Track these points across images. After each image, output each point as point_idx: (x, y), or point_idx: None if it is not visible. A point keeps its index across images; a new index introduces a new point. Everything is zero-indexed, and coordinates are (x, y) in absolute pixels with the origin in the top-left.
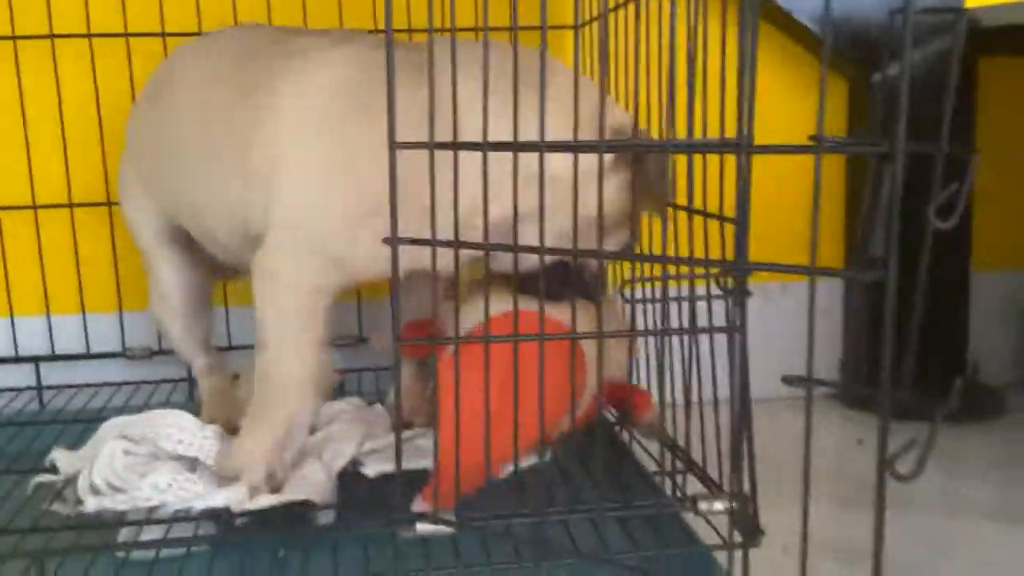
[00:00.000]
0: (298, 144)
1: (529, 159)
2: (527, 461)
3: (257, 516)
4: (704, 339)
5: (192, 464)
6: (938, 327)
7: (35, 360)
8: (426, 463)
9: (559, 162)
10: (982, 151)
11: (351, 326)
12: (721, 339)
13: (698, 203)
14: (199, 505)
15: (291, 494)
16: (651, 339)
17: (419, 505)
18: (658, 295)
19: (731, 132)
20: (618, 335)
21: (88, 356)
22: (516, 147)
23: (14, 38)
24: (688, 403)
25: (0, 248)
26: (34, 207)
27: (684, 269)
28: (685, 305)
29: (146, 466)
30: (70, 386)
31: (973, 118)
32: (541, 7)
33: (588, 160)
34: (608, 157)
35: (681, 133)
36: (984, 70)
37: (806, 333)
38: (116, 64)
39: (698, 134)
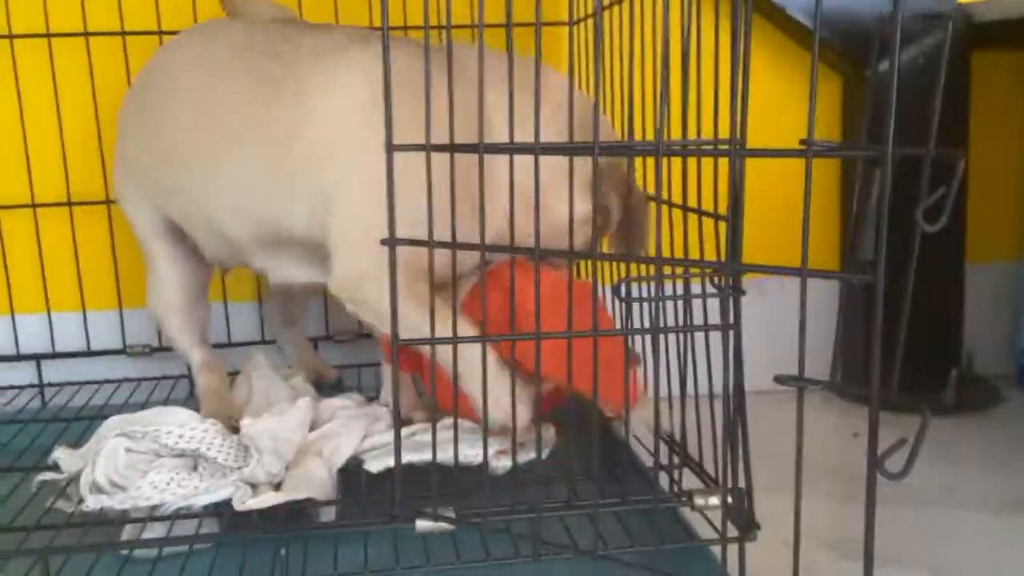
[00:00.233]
0: (349, 154)
1: None
2: (524, 456)
3: (259, 513)
4: (699, 335)
5: (194, 463)
6: (932, 319)
7: (36, 358)
8: (426, 457)
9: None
10: (970, 149)
11: (350, 322)
12: (716, 335)
13: (691, 200)
14: (200, 502)
15: (292, 492)
16: (645, 336)
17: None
18: (653, 293)
19: (724, 130)
20: (614, 333)
21: (89, 353)
22: (512, 149)
23: (12, 37)
24: (683, 399)
25: (0, 247)
26: (33, 206)
27: (679, 268)
28: (679, 301)
29: (148, 464)
30: (71, 383)
31: (967, 112)
32: (536, 4)
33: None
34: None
35: (674, 132)
36: (977, 64)
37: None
38: (113, 62)
39: (692, 132)
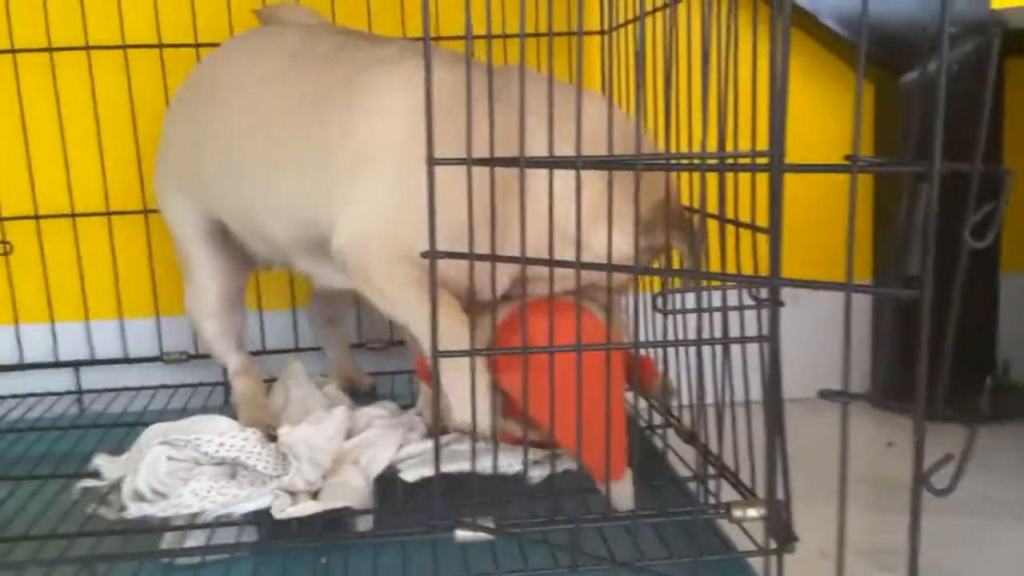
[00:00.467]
0: (388, 165)
1: None
2: (563, 465)
3: (297, 522)
4: (736, 346)
5: (233, 471)
6: (967, 328)
7: (75, 365)
8: (463, 467)
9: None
10: (1004, 158)
11: (383, 329)
12: (753, 345)
13: (728, 211)
14: (240, 510)
15: (330, 500)
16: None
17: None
18: (689, 305)
19: (762, 140)
20: (652, 345)
21: (126, 360)
22: (551, 164)
23: (50, 50)
24: (720, 409)
25: (40, 256)
26: (73, 215)
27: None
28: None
29: (188, 472)
30: (109, 390)
31: (1001, 119)
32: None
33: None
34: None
35: (711, 144)
36: (1012, 71)
37: (832, 334)
38: (150, 74)
39: (729, 144)
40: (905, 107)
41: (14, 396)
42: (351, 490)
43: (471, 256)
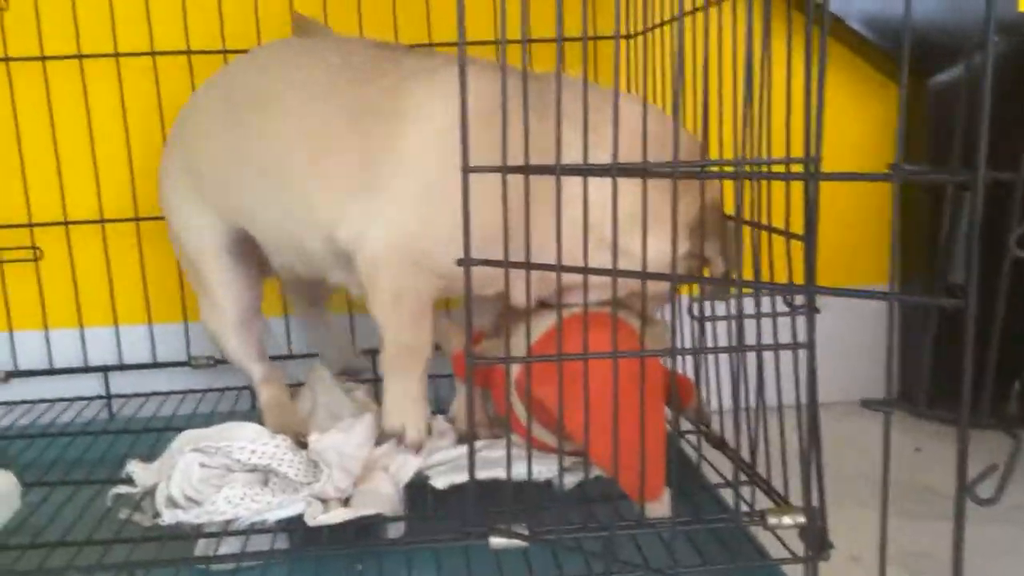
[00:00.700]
0: (424, 173)
1: None
2: (595, 471)
3: (329, 529)
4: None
5: (265, 477)
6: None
7: (104, 370)
8: (494, 474)
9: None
10: None
11: None
12: (784, 352)
13: (763, 216)
14: (272, 517)
15: (361, 507)
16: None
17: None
18: (723, 312)
19: (795, 145)
20: (688, 352)
21: (155, 365)
22: (586, 172)
23: (79, 56)
24: (755, 417)
25: (69, 262)
26: (102, 222)
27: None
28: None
29: (221, 479)
30: (138, 395)
31: None
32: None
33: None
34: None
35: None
36: None
37: (856, 338)
38: (179, 80)
39: (763, 149)
40: (932, 110)
41: (44, 401)
42: (381, 497)
43: (506, 264)
